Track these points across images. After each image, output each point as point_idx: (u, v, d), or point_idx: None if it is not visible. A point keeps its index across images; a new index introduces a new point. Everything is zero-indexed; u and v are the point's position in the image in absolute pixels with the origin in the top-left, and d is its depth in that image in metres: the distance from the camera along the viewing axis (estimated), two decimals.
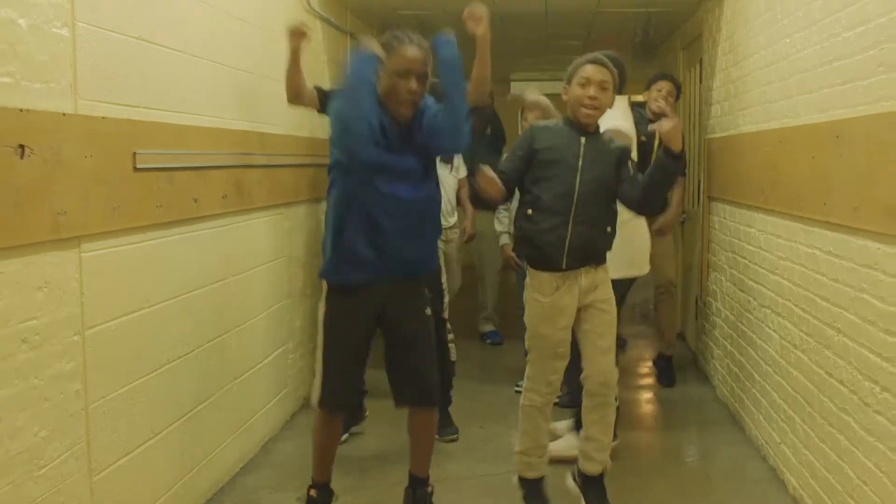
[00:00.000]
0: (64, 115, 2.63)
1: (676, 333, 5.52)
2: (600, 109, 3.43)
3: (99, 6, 2.84)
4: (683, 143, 3.41)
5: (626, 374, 5.50)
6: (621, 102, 4.02)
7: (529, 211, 3.44)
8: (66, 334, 2.68)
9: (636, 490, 3.92)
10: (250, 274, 4.22)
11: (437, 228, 3.56)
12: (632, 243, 4.12)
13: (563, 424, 4.38)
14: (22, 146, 2.41)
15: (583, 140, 3.43)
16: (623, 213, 3.60)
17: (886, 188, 2.76)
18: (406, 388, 3.43)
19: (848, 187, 3.09)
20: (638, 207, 3.57)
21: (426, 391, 3.43)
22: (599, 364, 3.47)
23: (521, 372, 3.63)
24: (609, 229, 3.48)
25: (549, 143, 3.44)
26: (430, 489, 3.49)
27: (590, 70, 3.41)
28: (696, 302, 6.16)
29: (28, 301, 2.49)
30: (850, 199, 3.06)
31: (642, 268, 4.30)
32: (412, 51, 3.26)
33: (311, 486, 3.53)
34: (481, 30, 3.50)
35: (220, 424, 3.87)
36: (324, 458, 3.50)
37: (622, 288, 4.05)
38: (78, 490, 2.75)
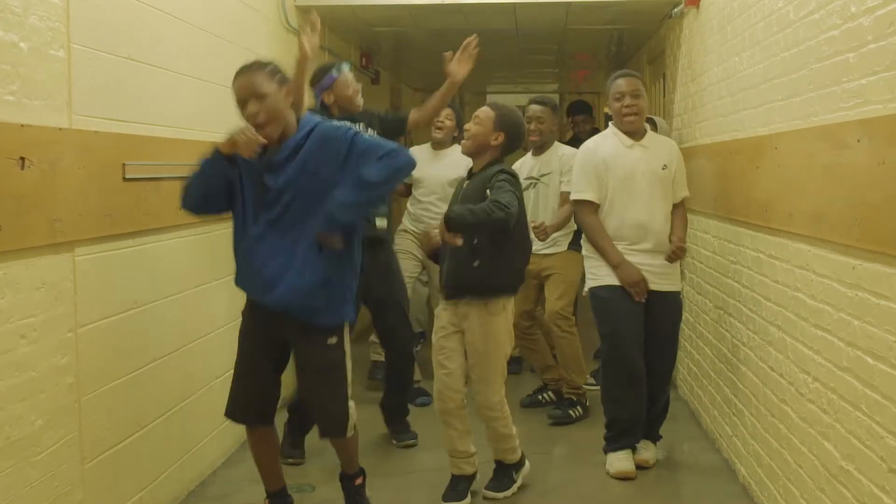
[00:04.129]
0: (60, 129, 2.86)
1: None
2: (469, 139, 3.84)
3: (92, 29, 3.08)
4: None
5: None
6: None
7: None
8: (60, 331, 2.90)
9: (594, 482, 4.17)
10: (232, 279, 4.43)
11: (333, 267, 3.25)
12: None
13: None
14: (23, 158, 2.63)
15: (466, 181, 3.88)
16: None
17: (813, 196, 3.03)
18: (316, 419, 3.51)
19: (784, 195, 3.36)
20: None
21: (328, 425, 3.41)
22: (475, 390, 3.90)
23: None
24: (476, 263, 3.69)
25: None
26: (357, 481, 3.60)
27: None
28: None
29: (27, 300, 2.71)
30: (786, 206, 3.32)
31: None
32: (237, 81, 3.24)
33: (265, 498, 3.59)
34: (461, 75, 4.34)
35: (203, 420, 4.09)
36: (260, 469, 3.56)
37: None
38: (71, 476, 2.97)
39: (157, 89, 3.62)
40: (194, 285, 3.99)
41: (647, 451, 4.36)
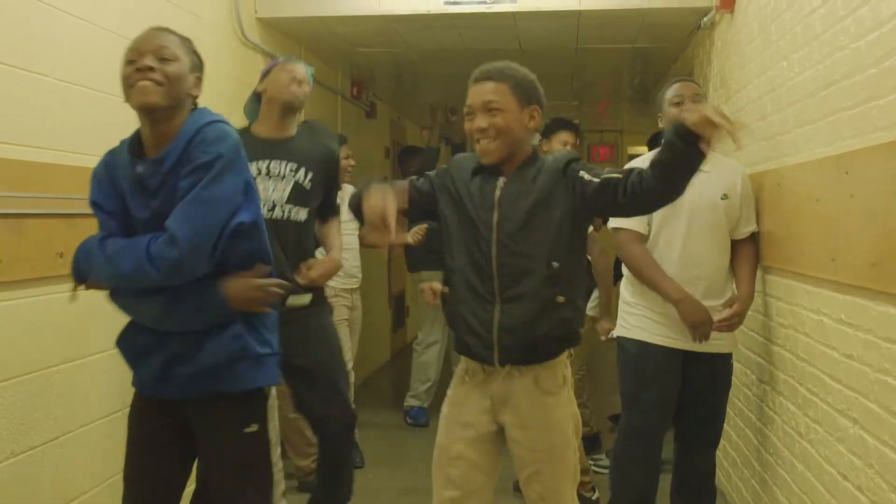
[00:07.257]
0: None
1: None
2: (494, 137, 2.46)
3: None
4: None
5: None
6: None
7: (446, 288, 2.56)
8: None
9: None
10: None
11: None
12: None
13: None
14: None
15: (500, 182, 2.48)
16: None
17: None
18: None
19: (862, 237, 2.41)
20: (638, 207, 2.47)
21: None
22: None
23: None
24: (562, 298, 2.40)
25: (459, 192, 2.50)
26: None
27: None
28: None
29: None
30: (866, 253, 2.37)
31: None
32: (139, 36, 2.33)
33: None
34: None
35: None
36: None
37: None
38: None
39: (28, 100, 2.76)
40: (71, 358, 3.06)
41: None
